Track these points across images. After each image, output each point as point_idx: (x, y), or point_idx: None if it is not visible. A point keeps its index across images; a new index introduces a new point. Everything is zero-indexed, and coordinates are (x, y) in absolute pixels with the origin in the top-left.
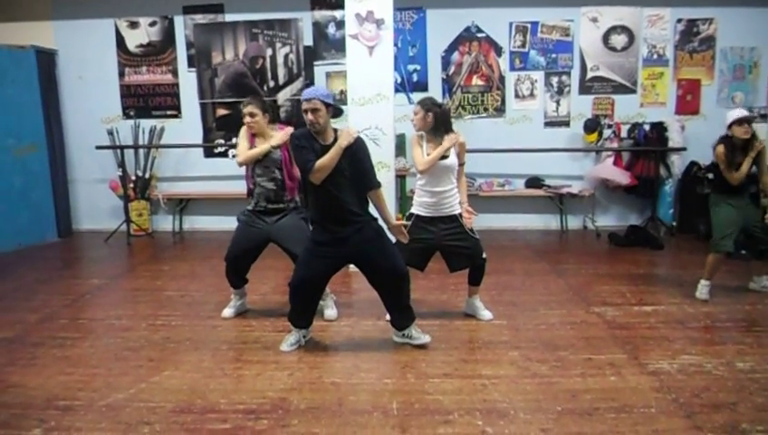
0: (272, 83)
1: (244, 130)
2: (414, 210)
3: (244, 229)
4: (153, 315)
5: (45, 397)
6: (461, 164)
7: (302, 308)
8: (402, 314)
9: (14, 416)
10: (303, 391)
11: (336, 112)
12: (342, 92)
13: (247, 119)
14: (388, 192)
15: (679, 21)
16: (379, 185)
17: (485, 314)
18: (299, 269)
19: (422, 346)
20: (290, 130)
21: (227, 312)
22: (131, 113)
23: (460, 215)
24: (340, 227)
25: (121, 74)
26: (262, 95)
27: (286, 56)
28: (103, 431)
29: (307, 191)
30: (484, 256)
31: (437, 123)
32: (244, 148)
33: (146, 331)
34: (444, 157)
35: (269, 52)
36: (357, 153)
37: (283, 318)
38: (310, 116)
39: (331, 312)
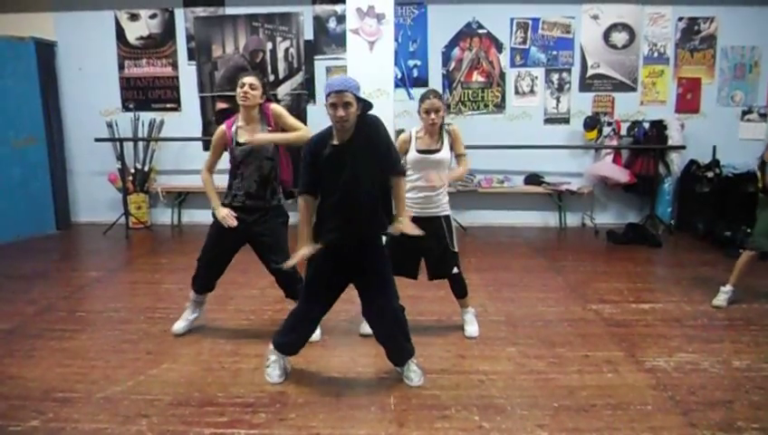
0: (272, 77)
1: (216, 139)
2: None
3: (220, 229)
4: (151, 308)
5: (43, 389)
6: (459, 155)
7: (304, 336)
8: (396, 350)
9: (13, 407)
10: (301, 384)
11: (366, 107)
12: None
13: (246, 89)
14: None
15: (680, 19)
16: (401, 172)
17: (467, 330)
18: (306, 298)
19: (420, 344)
20: (274, 106)
21: (179, 326)
22: (131, 106)
23: (445, 218)
24: (348, 233)
25: (121, 67)
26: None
27: (286, 50)
28: (101, 423)
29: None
30: (455, 270)
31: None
32: (210, 162)
33: (144, 323)
34: (433, 150)
35: (269, 45)
36: (369, 140)
37: (282, 312)
38: (340, 111)
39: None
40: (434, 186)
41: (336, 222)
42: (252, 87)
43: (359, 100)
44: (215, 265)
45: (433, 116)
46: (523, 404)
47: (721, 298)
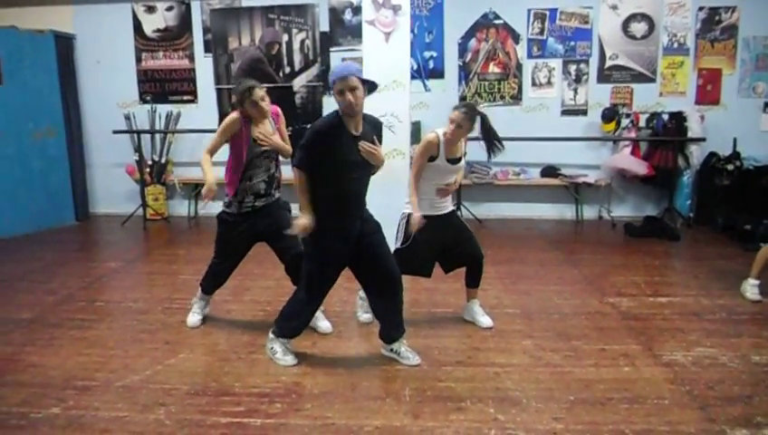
0: (287, 69)
1: (226, 125)
2: (425, 212)
3: (227, 233)
4: (169, 299)
5: (64, 377)
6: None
7: (307, 320)
8: (392, 324)
9: (34, 395)
10: (317, 375)
11: (372, 87)
12: None
13: (266, 101)
14: (402, 180)
15: (701, 9)
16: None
17: (484, 321)
18: (313, 287)
19: (435, 336)
20: (279, 110)
21: (194, 319)
22: (148, 98)
23: (453, 210)
24: (350, 220)
25: (138, 59)
26: (277, 81)
27: (302, 42)
28: (120, 412)
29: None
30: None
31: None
32: (214, 145)
33: (162, 314)
34: (458, 159)
35: (285, 37)
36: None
37: None
38: (349, 97)
39: (323, 323)
40: (451, 190)
41: (341, 217)
42: (263, 99)
43: (364, 82)
44: (227, 268)
45: (458, 131)
46: (538, 397)
47: (755, 291)
